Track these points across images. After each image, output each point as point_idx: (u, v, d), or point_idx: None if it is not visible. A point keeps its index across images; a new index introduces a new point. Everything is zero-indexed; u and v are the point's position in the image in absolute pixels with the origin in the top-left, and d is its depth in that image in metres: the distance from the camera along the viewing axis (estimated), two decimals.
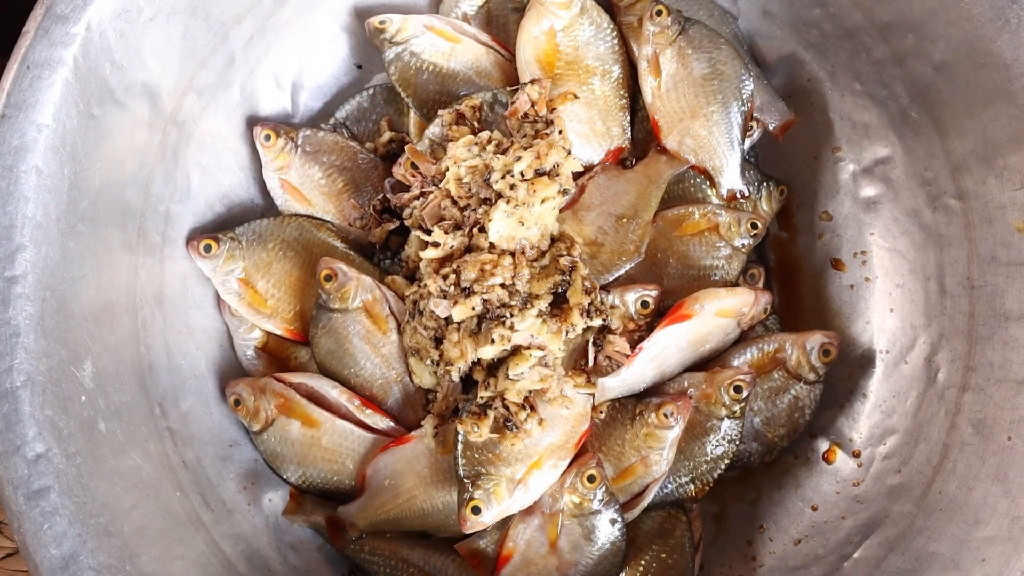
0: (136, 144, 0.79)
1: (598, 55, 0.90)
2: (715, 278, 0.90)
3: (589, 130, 0.90)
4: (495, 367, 0.82)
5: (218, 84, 0.87)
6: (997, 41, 0.74)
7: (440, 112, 0.88)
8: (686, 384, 0.87)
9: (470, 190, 0.81)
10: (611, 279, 0.88)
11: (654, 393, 0.87)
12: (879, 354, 0.89)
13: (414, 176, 0.86)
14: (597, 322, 0.82)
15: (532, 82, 0.85)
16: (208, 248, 0.86)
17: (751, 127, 0.93)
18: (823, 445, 0.90)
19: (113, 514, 0.71)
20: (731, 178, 0.91)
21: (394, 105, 0.96)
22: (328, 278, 0.85)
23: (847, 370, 0.91)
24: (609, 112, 0.90)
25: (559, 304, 0.82)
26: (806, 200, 0.96)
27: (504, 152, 0.82)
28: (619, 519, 0.83)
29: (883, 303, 0.90)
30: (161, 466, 0.79)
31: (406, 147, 0.87)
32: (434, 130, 0.89)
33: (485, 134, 0.84)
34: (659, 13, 0.88)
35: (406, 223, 0.87)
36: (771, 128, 0.94)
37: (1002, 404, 0.76)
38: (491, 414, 0.80)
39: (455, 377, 0.82)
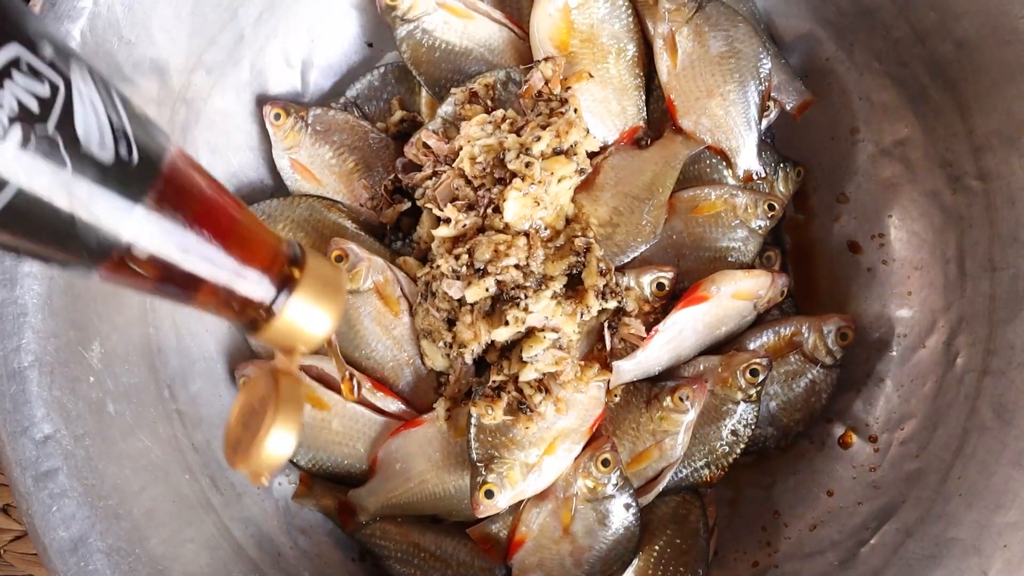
0: None
1: (613, 33, 0.88)
2: (731, 260, 0.88)
3: (604, 109, 0.88)
4: (508, 349, 0.81)
5: (227, 61, 0.85)
6: (1023, 16, 0.73)
7: (453, 91, 0.87)
8: (701, 368, 0.86)
9: (484, 169, 0.80)
10: (626, 260, 0.86)
11: (669, 377, 0.86)
12: (897, 338, 0.88)
13: (426, 156, 0.85)
14: (612, 304, 0.81)
15: (546, 60, 0.83)
16: None
17: (768, 107, 0.91)
18: (839, 430, 0.89)
19: (122, 496, 0.70)
20: (748, 159, 0.89)
21: (405, 84, 0.94)
22: (339, 259, 0.83)
23: (864, 354, 0.89)
24: (624, 91, 0.89)
25: (574, 286, 0.80)
26: (823, 181, 0.94)
27: (519, 131, 0.81)
28: (633, 504, 0.82)
29: (901, 286, 0.89)
30: (170, 448, 0.78)
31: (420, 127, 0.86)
32: (446, 109, 0.87)
33: (499, 113, 0.82)
34: None
35: (418, 203, 0.86)
36: (788, 108, 0.92)
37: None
38: (505, 397, 0.79)
39: (468, 359, 0.81)
